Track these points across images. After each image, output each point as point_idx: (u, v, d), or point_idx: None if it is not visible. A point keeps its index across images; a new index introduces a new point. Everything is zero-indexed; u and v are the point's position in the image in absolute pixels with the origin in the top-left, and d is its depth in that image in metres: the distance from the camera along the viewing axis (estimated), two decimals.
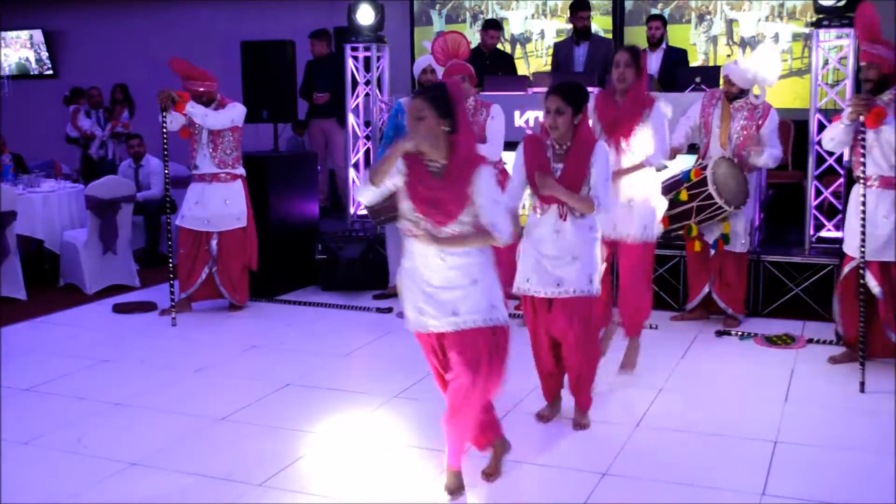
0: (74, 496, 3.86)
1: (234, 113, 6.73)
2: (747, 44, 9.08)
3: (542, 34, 9.95)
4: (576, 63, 8.49)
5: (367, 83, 8.15)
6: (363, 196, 3.72)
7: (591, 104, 4.95)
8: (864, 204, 5.07)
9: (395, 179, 3.62)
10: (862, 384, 5.04)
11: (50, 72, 13.07)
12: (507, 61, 9.03)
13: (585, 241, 4.38)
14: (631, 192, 5.11)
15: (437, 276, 3.66)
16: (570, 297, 4.38)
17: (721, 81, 6.34)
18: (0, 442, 4.37)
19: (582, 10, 8.42)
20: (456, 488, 3.84)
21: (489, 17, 9.97)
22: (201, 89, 6.66)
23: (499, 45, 9.09)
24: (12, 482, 3.98)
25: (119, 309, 7.06)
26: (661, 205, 5.35)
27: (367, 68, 8.20)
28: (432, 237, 3.59)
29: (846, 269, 5.40)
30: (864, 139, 5.07)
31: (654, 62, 8.35)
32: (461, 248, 3.62)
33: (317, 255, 7.56)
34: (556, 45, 8.93)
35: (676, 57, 8.41)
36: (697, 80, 7.31)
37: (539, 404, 4.86)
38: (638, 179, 5.13)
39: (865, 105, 5.00)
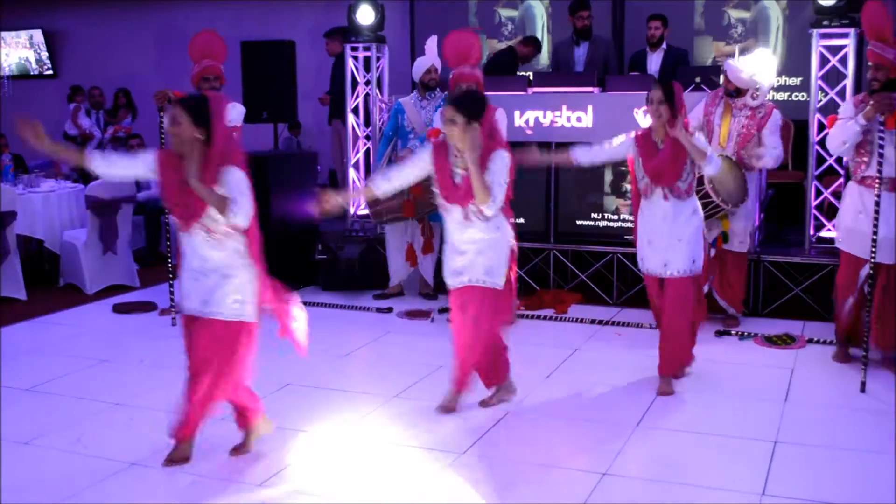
0: (74, 496, 3.86)
1: (234, 113, 6.71)
2: (748, 44, 9.08)
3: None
4: (576, 63, 8.49)
5: (368, 83, 8.15)
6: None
7: (630, 146, 5.07)
8: (877, 205, 5.05)
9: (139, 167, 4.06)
10: (863, 384, 5.05)
11: (50, 72, 13.07)
12: (510, 61, 9.08)
13: (492, 239, 4.59)
14: (682, 231, 4.97)
15: (201, 264, 4.02)
16: (468, 287, 4.63)
17: (721, 78, 6.35)
18: (0, 442, 4.37)
19: (582, 10, 8.41)
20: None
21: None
22: (217, 73, 6.59)
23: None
24: (12, 482, 3.98)
25: (119, 309, 7.06)
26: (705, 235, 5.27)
27: (367, 68, 8.20)
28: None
29: (863, 273, 5.33)
30: (882, 140, 5.04)
31: (654, 62, 8.33)
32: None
33: (317, 256, 7.56)
34: (556, 46, 8.93)
35: (677, 56, 8.39)
36: (697, 79, 7.28)
37: (539, 402, 4.88)
38: (688, 217, 4.99)
39: (889, 105, 4.97)
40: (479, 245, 4.60)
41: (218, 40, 6.73)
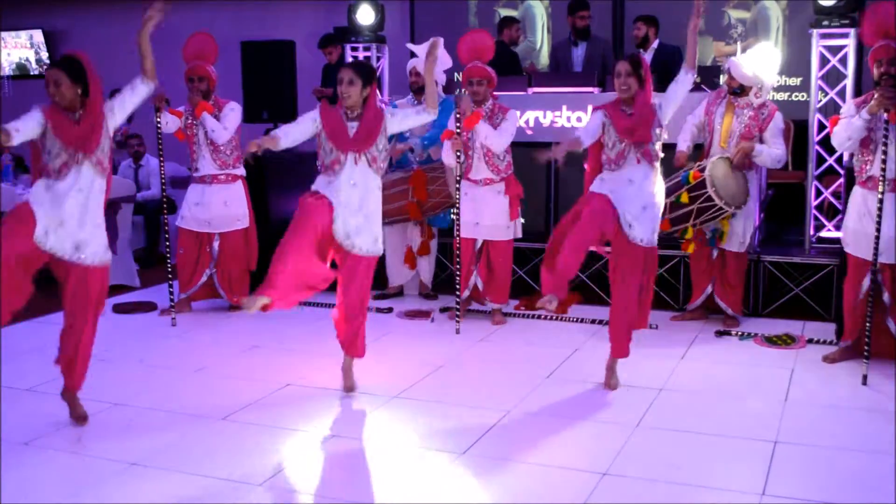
0: (74, 496, 3.86)
1: (236, 119, 6.74)
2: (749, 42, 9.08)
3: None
4: (574, 63, 8.48)
5: None
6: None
7: (600, 118, 5.06)
8: (880, 205, 5.05)
9: (34, 129, 4.46)
10: (865, 377, 5.08)
11: None
12: (515, 60, 9.10)
13: (375, 197, 4.93)
14: (647, 199, 4.97)
15: (73, 213, 4.48)
16: (361, 256, 4.90)
17: (721, 78, 6.35)
18: (0, 442, 4.37)
19: (582, 10, 8.41)
20: None
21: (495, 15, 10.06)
22: (202, 74, 6.62)
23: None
24: (13, 482, 3.98)
25: (119, 309, 7.06)
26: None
27: None
28: None
29: (866, 278, 5.32)
30: (886, 136, 5.03)
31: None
32: None
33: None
34: (555, 46, 8.94)
35: (669, 54, 8.34)
36: (697, 79, 7.25)
37: (539, 402, 4.89)
38: (654, 186, 5.01)
39: (893, 99, 4.95)
40: (364, 206, 4.87)
41: (209, 42, 6.73)
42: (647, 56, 8.29)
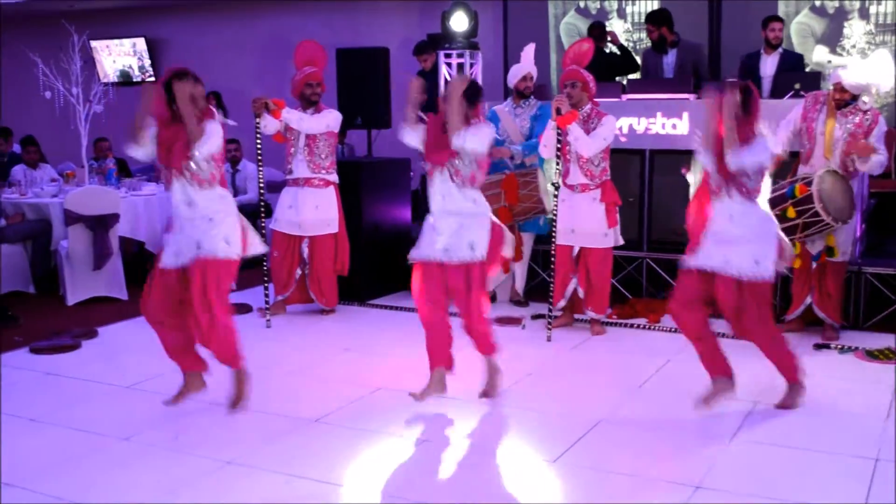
0: (171, 492, 3.96)
1: (330, 118, 6.83)
2: (847, 51, 8.84)
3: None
4: (665, 70, 8.37)
5: None
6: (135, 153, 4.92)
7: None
8: None
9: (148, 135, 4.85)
10: None
11: (152, 79, 13.44)
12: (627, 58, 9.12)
13: (472, 208, 4.87)
14: (751, 233, 4.66)
15: (186, 211, 4.84)
16: (455, 263, 4.84)
17: (822, 85, 6.17)
18: (0, 439, 4.53)
19: (648, 23, 8.38)
20: None
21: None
22: (319, 80, 6.82)
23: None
24: (113, 477, 4.12)
25: None
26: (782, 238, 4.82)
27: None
28: None
29: None
30: None
31: (769, 65, 8.03)
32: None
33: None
34: (645, 53, 8.83)
35: (793, 61, 8.08)
36: (797, 86, 7.10)
37: (632, 412, 4.83)
38: (759, 221, 4.70)
39: None
40: (459, 217, 4.85)
41: (320, 49, 6.91)
42: (773, 59, 8.02)
